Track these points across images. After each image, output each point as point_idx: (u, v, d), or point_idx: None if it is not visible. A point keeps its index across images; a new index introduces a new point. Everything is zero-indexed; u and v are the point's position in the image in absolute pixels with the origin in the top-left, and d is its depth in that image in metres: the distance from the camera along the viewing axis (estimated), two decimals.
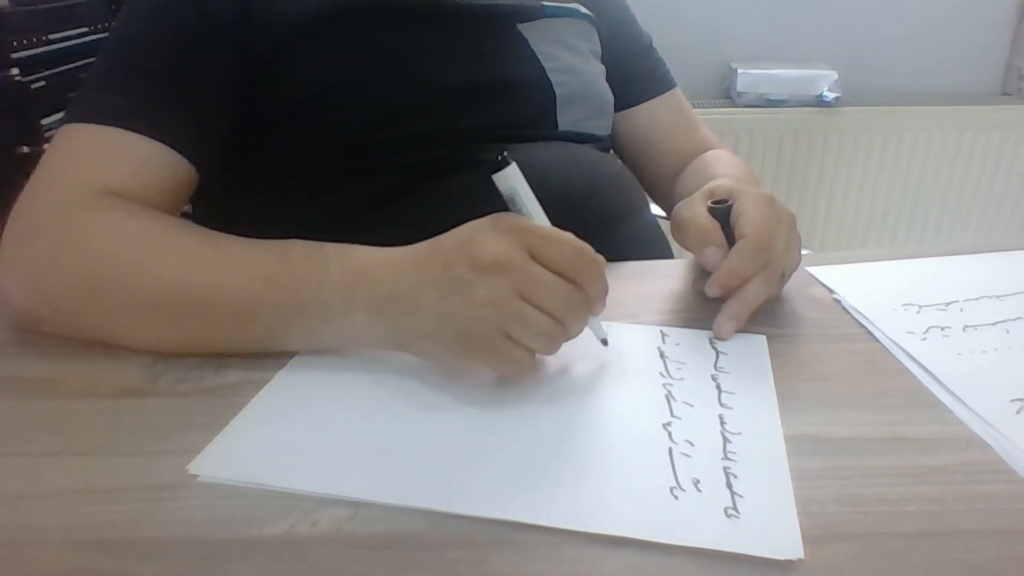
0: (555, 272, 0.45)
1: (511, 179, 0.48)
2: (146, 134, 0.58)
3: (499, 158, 0.47)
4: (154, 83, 0.61)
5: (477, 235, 0.46)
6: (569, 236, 0.46)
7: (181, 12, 0.63)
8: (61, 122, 0.60)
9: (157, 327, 0.51)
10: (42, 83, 1.31)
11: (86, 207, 0.54)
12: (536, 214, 0.48)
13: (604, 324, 0.55)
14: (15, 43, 1.29)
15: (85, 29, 1.47)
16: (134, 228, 0.53)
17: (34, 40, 1.34)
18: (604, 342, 0.51)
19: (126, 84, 0.61)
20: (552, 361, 0.51)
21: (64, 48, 1.40)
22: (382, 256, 0.49)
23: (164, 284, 0.50)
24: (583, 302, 0.46)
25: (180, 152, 0.60)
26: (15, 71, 1.27)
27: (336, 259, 0.50)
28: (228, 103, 0.65)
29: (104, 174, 0.57)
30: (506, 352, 0.45)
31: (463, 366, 0.47)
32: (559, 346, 0.47)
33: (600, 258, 0.47)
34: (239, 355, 0.51)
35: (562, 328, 0.46)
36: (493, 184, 0.69)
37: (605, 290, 0.47)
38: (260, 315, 0.49)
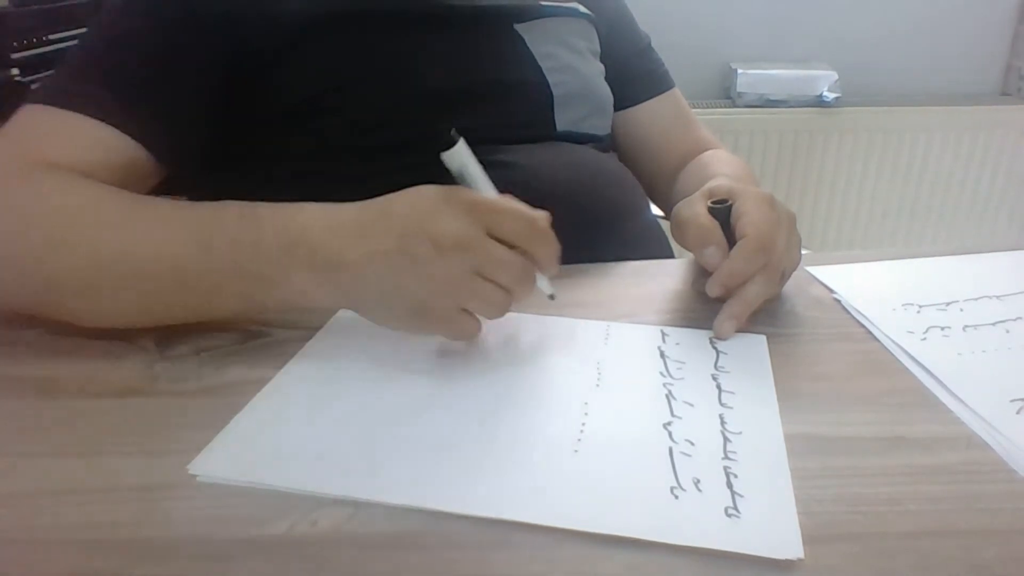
0: (510, 245, 0.47)
1: (460, 155, 0.49)
2: (97, 117, 0.58)
3: (450, 133, 0.48)
4: (120, 74, 0.61)
5: (434, 211, 0.47)
6: (519, 207, 0.48)
7: (166, 8, 0.63)
8: (25, 102, 0.59)
9: (97, 300, 0.51)
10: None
11: (18, 178, 0.54)
12: (485, 187, 0.50)
13: (604, 324, 0.56)
14: (15, 43, 1.29)
15: (85, 29, 1.47)
16: (64, 200, 0.52)
17: (34, 40, 1.34)
18: (551, 297, 0.54)
19: (92, 73, 0.61)
20: (553, 361, 0.51)
21: (64, 48, 1.40)
22: (322, 218, 0.49)
23: (98, 256, 0.50)
24: (532, 272, 0.49)
25: (133, 138, 0.59)
26: (15, 71, 1.27)
27: (269, 220, 0.49)
28: (208, 101, 0.65)
29: (50, 150, 0.56)
30: (458, 322, 0.48)
31: (411, 332, 0.50)
32: (508, 308, 0.49)
33: (549, 228, 0.48)
34: (183, 324, 0.51)
35: (512, 297, 0.48)
36: (494, 185, 0.69)
37: (556, 253, 0.49)
38: (198, 280, 0.49)
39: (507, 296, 0.48)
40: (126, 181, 0.60)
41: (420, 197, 0.48)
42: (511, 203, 0.49)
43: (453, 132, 0.48)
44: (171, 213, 0.51)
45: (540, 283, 0.53)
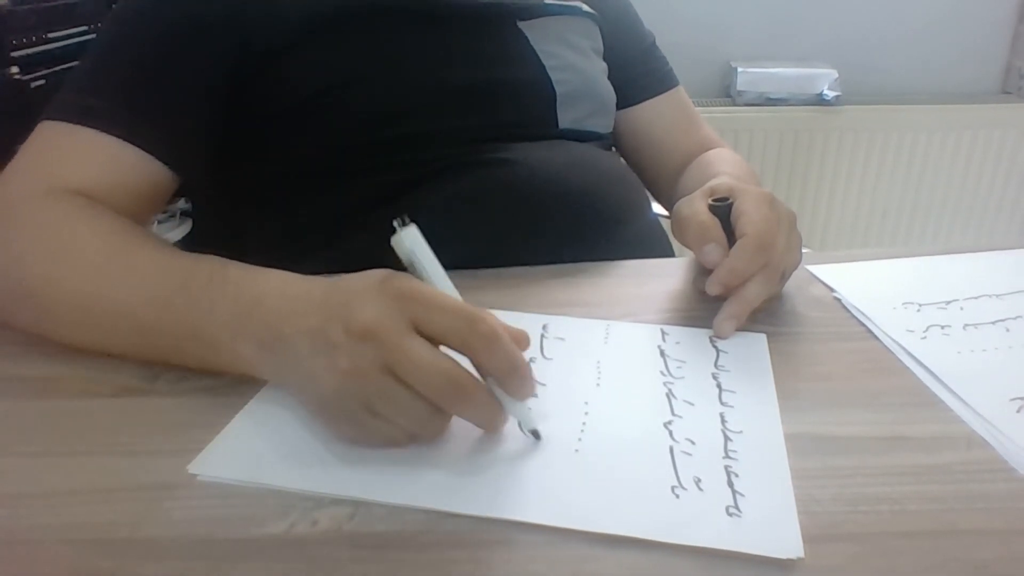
0: (444, 345, 0.39)
1: (407, 243, 0.42)
2: (119, 136, 0.59)
3: (399, 222, 0.41)
4: (132, 85, 0.62)
5: (363, 294, 0.40)
6: (464, 306, 0.40)
7: (166, 14, 0.64)
8: (39, 119, 0.60)
9: (80, 334, 0.51)
10: (41, 81, 1.31)
11: (27, 207, 0.54)
12: (437, 279, 0.42)
13: (604, 323, 0.55)
14: (15, 41, 1.29)
15: (84, 28, 1.47)
16: (58, 235, 0.53)
17: (34, 39, 1.34)
18: (535, 434, 0.42)
19: (105, 85, 0.61)
20: (553, 361, 0.51)
21: (64, 47, 1.40)
22: (282, 286, 0.45)
23: (76, 297, 0.50)
24: (469, 384, 0.39)
25: (154, 155, 0.60)
26: (15, 69, 1.27)
27: (235, 284, 0.47)
28: (213, 105, 0.65)
29: (70, 173, 0.57)
30: (368, 427, 0.40)
31: (327, 429, 0.42)
32: (440, 430, 0.41)
33: (501, 333, 0.39)
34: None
35: (438, 412, 0.40)
36: (495, 184, 0.69)
37: (511, 367, 0.39)
38: (158, 336, 0.48)
39: (429, 409, 0.39)
40: (145, 196, 0.61)
41: (363, 277, 0.42)
42: (456, 300, 0.41)
43: (404, 218, 0.41)
44: (147, 262, 0.51)
45: (512, 408, 0.42)
